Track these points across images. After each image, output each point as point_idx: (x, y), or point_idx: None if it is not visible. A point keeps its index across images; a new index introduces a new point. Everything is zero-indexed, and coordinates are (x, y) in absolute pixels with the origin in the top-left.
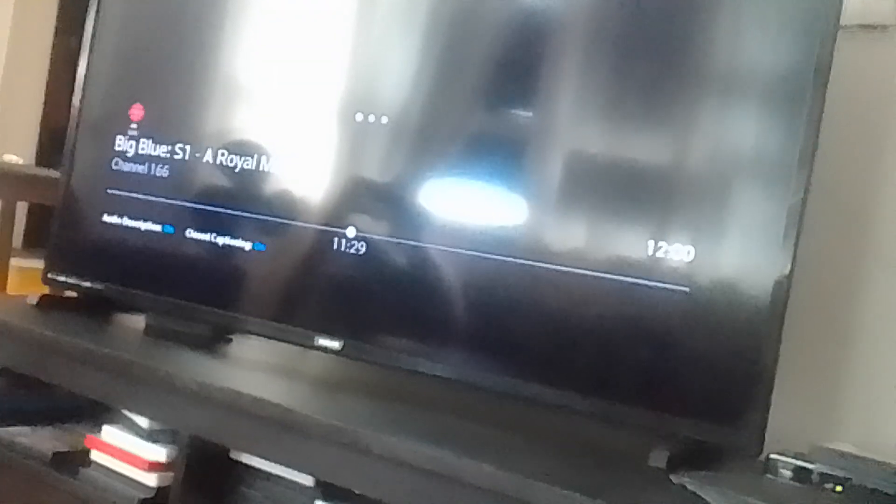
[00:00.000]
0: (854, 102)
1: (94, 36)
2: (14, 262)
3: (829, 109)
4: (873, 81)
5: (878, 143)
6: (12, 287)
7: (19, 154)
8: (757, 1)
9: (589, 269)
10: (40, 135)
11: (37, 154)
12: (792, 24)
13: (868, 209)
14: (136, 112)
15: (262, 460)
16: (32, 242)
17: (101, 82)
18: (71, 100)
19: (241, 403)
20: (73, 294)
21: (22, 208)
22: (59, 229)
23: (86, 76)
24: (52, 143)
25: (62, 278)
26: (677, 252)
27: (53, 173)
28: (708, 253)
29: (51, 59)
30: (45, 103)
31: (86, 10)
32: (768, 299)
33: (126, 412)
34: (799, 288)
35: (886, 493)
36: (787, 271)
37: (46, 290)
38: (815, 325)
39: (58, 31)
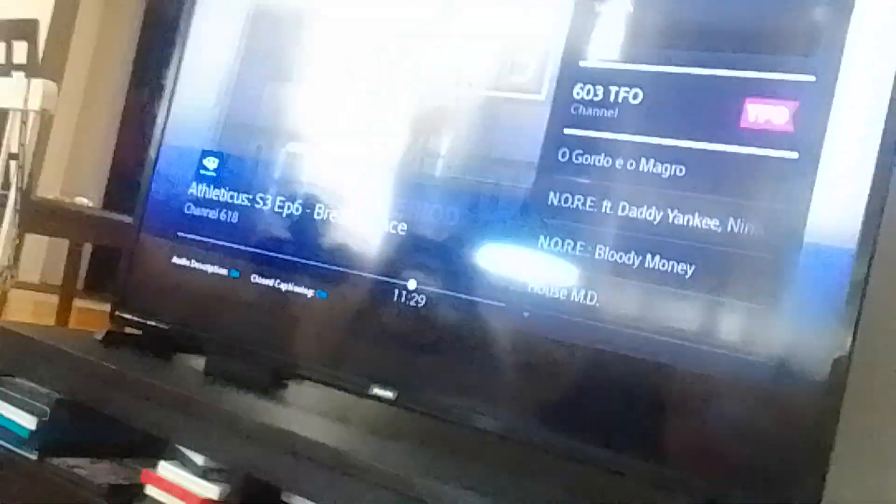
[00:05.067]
0: None
1: (174, 87)
2: (75, 302)
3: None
4: None
5: None
6: (74, 326)
7: (89, 198)
8: (824, 72)
9: (645, 333)
10: (109, 180)
11: (105, 198)
12: (860, 98)
13: None
14: (211, 160)
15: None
16: (92, 285)
17: (178, 130)
18: (140, 147)
19: (297, 445)
20: (138, 332)
21: (84, 253)
22: (128, 269)
23: (164, 125)
24: (120, 189)
25: (129, 316)
26: (732, 321)
27: (120, 217)
28: (765, 324)
29: (124, 109)
30: (116, 150)
31: (158, 65)
32: (827, 376)
33: (182, 449)
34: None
35: None
36: (847, 346)
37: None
38: (874, 395)
39: (132, 84)
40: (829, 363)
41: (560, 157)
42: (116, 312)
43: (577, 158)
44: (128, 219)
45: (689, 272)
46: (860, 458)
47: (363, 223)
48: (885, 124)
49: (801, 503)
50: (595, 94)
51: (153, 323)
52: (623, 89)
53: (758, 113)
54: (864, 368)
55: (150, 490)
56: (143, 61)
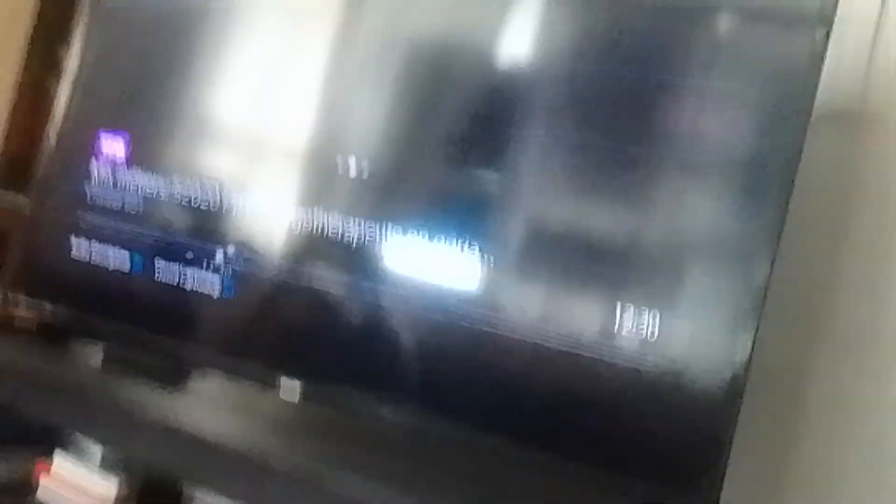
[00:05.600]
0: (821, 190)
1: (73, 66)
2: None
3: (797, 195)
4: (840, 169)
5: (843, 231)
6: None
7: None
8: (731, 84)
9: (549, 333)
10: (1, 159)
11: None
12: (765, 109)
13: (828, 293)
14: (111, 142)
15: (215, 496)
16: None
17: (77, 112)
18: (34, 129)
19: (196, 437)
20: (30, 318)
21: None
22: (21, 252)
23: (63, 105)
24: (11, 170)
25: (22, 301)
26: (637, 328)
27: (12, 198)
28: (669, 331)
29: (18, 86)
30: (9, 129)
31: (55, 44)
32: (728, 378)
33: (77, 441)
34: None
35: None
36: (747, 351)
37: None
38: (771, 399)
39: (27, 60)
40: (730, 366)
41: (463, 154)
42: (7, 297)
43: (480, 157)
44: (21, 199)
45: (591, 274)
46: (757, 458)
47: (269, 211)
48: (782, 130)
49: (699, 502)
50: (505, 93)
51: (48, 309)
52: (532, 88)
53: (666, 117)
54: (764, 371)
55: (45, 484)
56: (40, 36)
